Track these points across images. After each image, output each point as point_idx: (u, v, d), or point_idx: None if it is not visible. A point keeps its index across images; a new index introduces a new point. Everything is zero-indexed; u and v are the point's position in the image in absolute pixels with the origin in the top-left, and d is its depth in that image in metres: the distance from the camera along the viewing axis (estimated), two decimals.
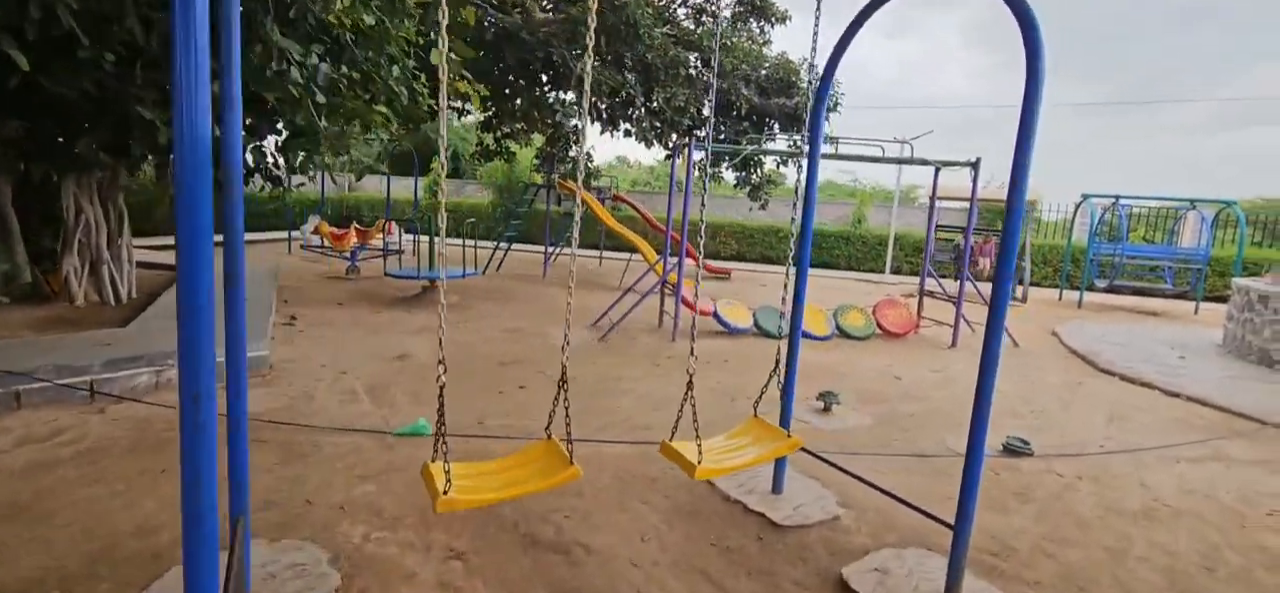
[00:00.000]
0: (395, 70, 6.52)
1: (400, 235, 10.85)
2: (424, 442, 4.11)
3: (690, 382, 2.99)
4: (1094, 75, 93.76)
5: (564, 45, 9.34)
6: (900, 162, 8.17)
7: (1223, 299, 15.76)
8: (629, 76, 10.41)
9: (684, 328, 8.28)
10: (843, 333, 8.33)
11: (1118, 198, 12.77)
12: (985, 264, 14.17)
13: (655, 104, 10.60)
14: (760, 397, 3.21)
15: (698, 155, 8.41)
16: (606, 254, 16.35)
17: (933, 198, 8.83)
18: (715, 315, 8.13)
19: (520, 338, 7.33)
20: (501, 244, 13.53)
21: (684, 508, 3.48)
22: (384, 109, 6.61)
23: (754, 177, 13.94)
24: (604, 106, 10.74)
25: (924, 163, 8.34)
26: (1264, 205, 25.08)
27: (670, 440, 2.83)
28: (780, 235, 19.26)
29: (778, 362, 3.25)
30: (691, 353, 3.04)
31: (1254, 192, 28.34)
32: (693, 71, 11.27)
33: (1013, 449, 4.46)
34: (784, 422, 3.58)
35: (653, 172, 38.54)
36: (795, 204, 3.39)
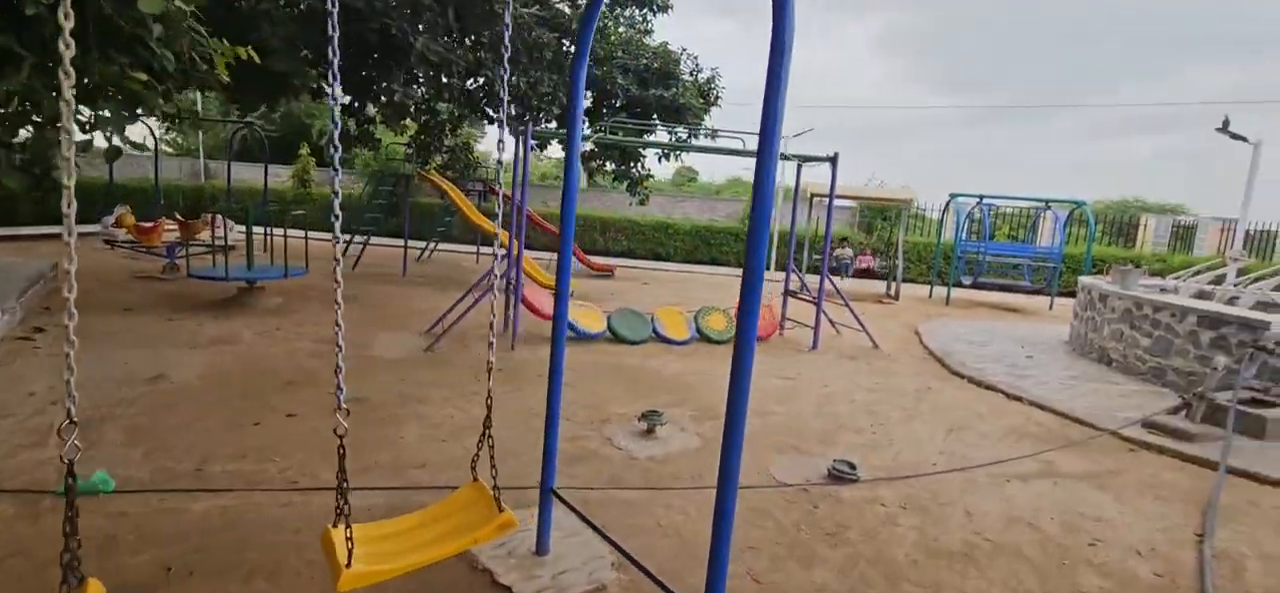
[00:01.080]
0: (156, 29, 5.36)
1: (227, 230, 9.44)
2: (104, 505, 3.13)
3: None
4: (980, 87, 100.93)
5: (406, 19, 8.32)
6: (746, 154, 7.74)
7: (1074, 295, 16.97)
8: (485, 56, 9.52)
9: (529, 333, 7.54)
10: (704, 337, 7.85)
11: (981, 197, 13.14)
12: (860, 265, 14.30)
13: (518, 88, 9.76)
14: (476, 456, 2.47)
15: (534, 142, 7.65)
16: (486, 250, 15.34)
17: (795, 191, 8.52)
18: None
19: (331, 351, 6.34)
20: (359, 240, 12.26)
21: (417, 580, 2.73)
22: (142, 76, 5.43)
23: (634, 171, 13.35)
24: (454, 86, 9.73)
25: (784, 158, 7.98)
26: (1113, 206, 27.28)
27: (332, 527, 2.04)
28: (671, 231, 18.89)
29: (488, 410, 2.45)
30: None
31: (1120, 193, 30.87)
32: (554, 56, 10.50)
33: (838, 475, 4.01)
34: (547, 480, 2.89)
35: (561, 165, 37.42)
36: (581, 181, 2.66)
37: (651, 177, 14.08)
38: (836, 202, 22.27)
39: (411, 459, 3.94)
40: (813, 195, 14.13)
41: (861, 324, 8.26)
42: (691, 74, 13.45)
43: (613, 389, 5.72)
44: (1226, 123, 11.11)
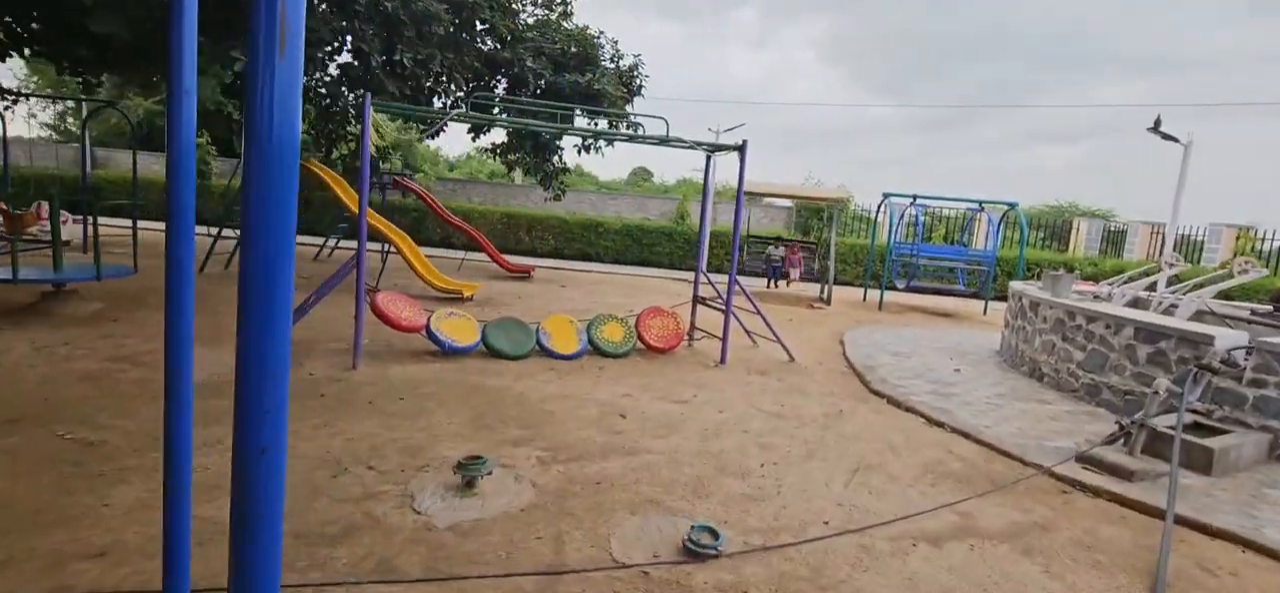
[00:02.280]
0: None
1: (64, 222, 7.97)
2: None
3: None
4: (916, 96, 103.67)
5: None
6: (664, 142, 6.79)
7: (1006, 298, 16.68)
8: (362, 27, 8.29)
9: (379, 347, 6.39)
10: (597, 349, 6.83)
11: (914, 197, 12.55)
12: (794, 274, 13.53)
13: (402, 64, 8.55)
14: None
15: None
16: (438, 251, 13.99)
17: (706, 186, 7.58)
18: (428, 331, 6.30)
19: (118, 371, 5.06)
20: (226, 233, 10.81)
21: None
22: None
23: (548, 164, 12.23)
24: (326, 59, 8.43)
25: (696, 145, 7.03)
26: (1048, 210, 27.53)
27: None
28: (601, 230, 17.86)
29: None
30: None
31: (1052, 198, 31.32)
32: (451, 32, 9.31)
33: (694, 550, 3.03)
34: None
35: (484, 155, 35.70)
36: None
37: (568, 171, 13.00)
38: (774, 201, 21.62)
39: (91, 543, 2.78)
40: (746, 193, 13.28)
41: (775, 334, 7.39)
42: (612, 60, 12.44)
43: (451, 421, 4.64)
44: (1158, 123, 10.76)
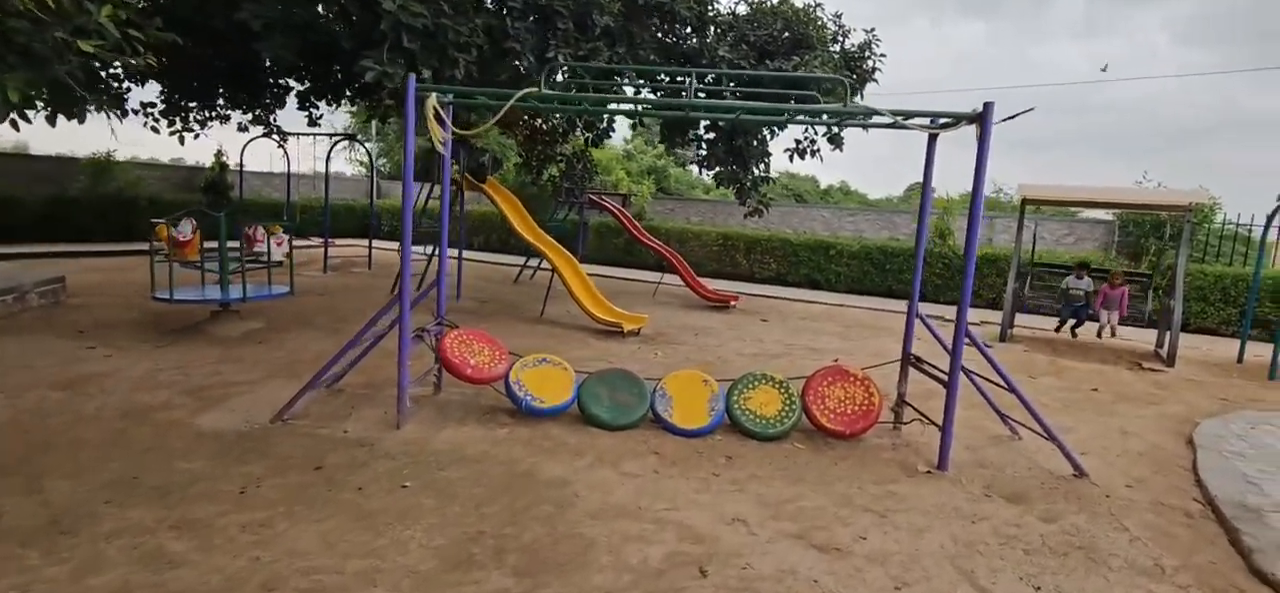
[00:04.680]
0: None
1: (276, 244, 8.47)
2: None
3: None
4: None
5: None
6: (852, 117, 4.35)
7: None
8: (514, 24, 7.29)
9: (463, 396, 5.06)
10: (736, 424, 4.66)
11: None
12: (1109, 319, 9.29)
13: (557, 63, 7.34)
14: None
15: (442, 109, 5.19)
16: (637, 274, 13.25)
17: (926, 180, 4.78)
18: (506, 386, 4.81)
19: (195, 407, 4.52)
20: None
21: None
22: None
23: (744, 172, 10.07)
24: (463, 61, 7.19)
25: (897, 122, 4.41)
26: None
27: None
28: (833, 253, 15.06)
29: None
30: None
31: None
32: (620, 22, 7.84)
33: None
34: None
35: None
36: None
37: (773, 181, 10.71)
38: (1087, 213, 16.27)
39: None
40: (1025, 201, 9.60)
41: (1044, 426, 4.31)
42: (835, 39, 9.92)
43: (428, 544, 3.02)
44: None
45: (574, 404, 4.79)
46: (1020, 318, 10.43)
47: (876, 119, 4.50)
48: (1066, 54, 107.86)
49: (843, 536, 3.29)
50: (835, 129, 9.85)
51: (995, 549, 3.20)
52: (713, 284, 13.73)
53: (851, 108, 4.37)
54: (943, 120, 4.34)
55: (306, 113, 10.76)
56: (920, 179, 4.85)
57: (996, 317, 10.46)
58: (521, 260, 13.08)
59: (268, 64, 8.90)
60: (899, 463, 4.31)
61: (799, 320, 10.56)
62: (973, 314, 12.30)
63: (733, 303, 11.41)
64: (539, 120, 11.76)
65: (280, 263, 8.06)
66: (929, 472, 4.17)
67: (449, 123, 4.68)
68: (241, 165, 13.68)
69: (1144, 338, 9.85)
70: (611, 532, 3.20)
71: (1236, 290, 11.61)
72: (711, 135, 10.25)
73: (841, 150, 10.25)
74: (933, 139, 4.61)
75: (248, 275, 7.12)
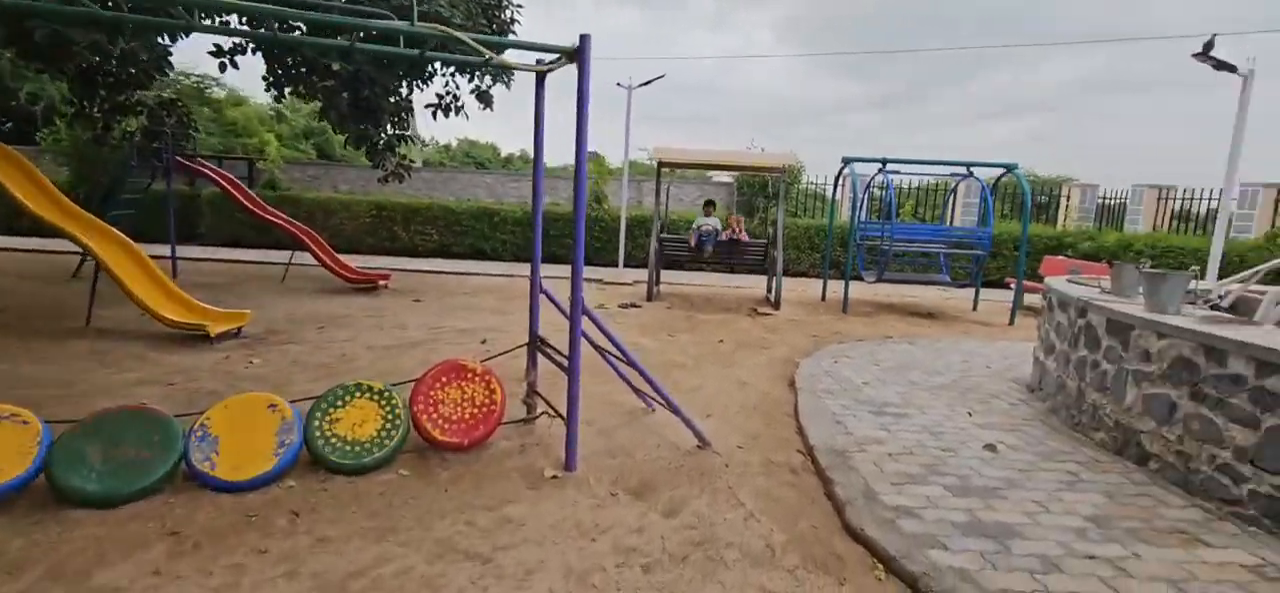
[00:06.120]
0: None
1: None
2: None
3: None
4: (869, 76, 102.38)
5: None
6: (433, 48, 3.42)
7: (998, 285, 13.67)
8: None
9: None
10: (317, 460, 3.48)
11: (884, 163, 9.48)
12: (738, 231, 10.32)
13: None
14: None
15: None
16: (272, 254, 10.22)
17: (538, 120, 4.18)
18: None
19: None
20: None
21: None
22: None
23: (376, 132, 8.59)
24: None
25: (487, 63, 3.65)
26: (1034, 180, 25.04)
27: None
28: (499, 220, 14.38)
29: None
30: None
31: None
32: None
33: None
34: None
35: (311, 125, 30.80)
36: None
37: (413, 142, 9.48)
38: (715, 177, 18.39)
39: None
40: (660, 164, 10.02)
41: (664, 396, 4.10)
42: None
43: None
44: (1208, 46, 7.94)
45: (38, 476, 3.05)
46: (666, 273, 11.09)
47: (465, 54, 3.68)
48: (700, 41, 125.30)
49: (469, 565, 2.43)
50: (477, 81, 8.99)
51: (613, 576, 2.68)
52: (364, 262, 11.92)
53: (431, 29, 3.43)
54: (547, 59, 3.74)
55: None
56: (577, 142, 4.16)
57: (644, 275, 10.91)
58: (77, 249, 9.47)
59: None
60: (523, 472, 3.64)
61: (460, 296, 9.58)
62: (626, 274, 12.82)
63: (383, 283, 9.90)
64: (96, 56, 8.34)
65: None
66: (556, 476, 3.58)
67: None
68: None
69: (761, 284, 11.29)
70: None
71: (819, 238, 14.18)
72: (329, 81, 8.41)
73: (491, 109, 9.40)
74: (541, 81, 3.98)
75: None
